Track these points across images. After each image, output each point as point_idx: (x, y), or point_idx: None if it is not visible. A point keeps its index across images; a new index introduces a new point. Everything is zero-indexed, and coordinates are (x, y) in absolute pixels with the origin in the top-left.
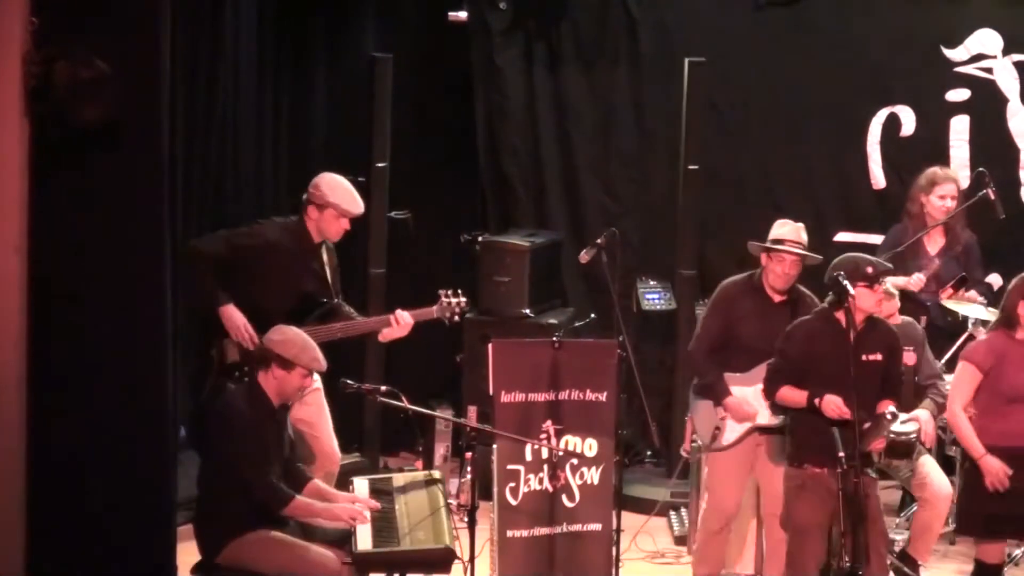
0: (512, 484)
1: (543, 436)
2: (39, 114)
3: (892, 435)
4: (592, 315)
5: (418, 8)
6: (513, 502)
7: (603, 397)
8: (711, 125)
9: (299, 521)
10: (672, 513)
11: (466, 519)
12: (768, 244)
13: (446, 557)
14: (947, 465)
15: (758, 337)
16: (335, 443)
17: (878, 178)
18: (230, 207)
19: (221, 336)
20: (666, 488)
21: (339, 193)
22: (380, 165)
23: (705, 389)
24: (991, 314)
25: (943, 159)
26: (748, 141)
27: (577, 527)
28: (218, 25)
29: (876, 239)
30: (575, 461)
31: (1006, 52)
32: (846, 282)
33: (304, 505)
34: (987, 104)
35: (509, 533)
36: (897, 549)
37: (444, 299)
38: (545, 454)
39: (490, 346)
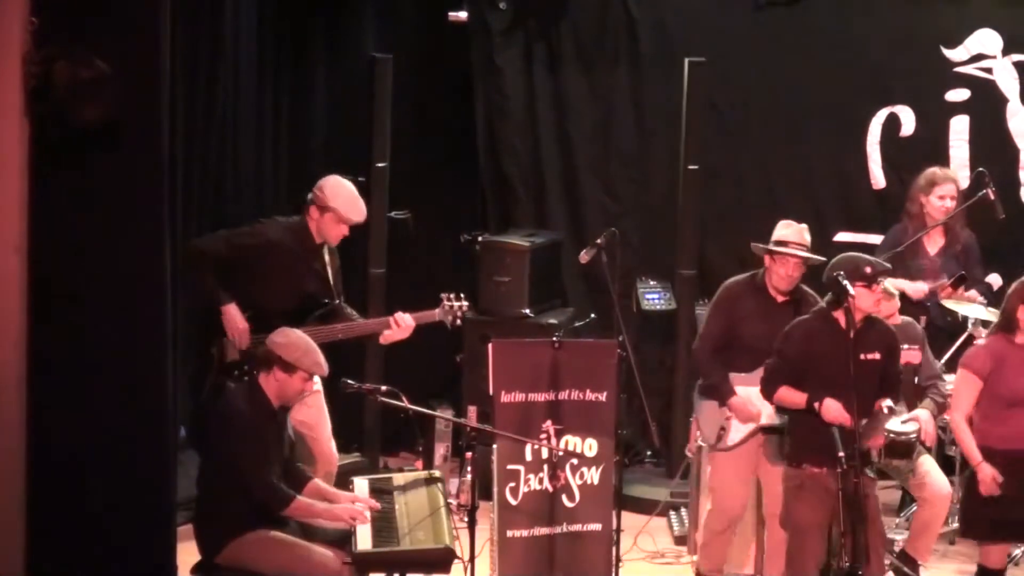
0: (512, 484)
1: (543, 436)
2: (39, 114)
3: (892, 435)
4: (592, 315)
5: (418, 8)
6: (513, 502)
7: (603, 397)
8: (711, 125)
9: (299, 521)
10: (672, 513)
11: (466, 519)
12: (771, 246)
13: (446, 557)
14: (947, 465)
15: (761, 337)
16: (333, 445)
17: (878, 178)
18: (230, 207)
19: (221, 335)
20: (666, 488)
21: (342, 199)
22: (380, 165)
23: (710, 389)
24: (991, 314)
25: (943, 159)
26: (748, 141)
27: (577, 527)
28: (218, 25)
29: (876, 239)
30: (575, 461)
31: (1006, 52)
32: (845, 282)
33: (305, 505)
34: (987, 104)
35: (509, 533)
36: (897, 549)
37: (447, 302)
38: (545, 454)
39: (490, 346)
